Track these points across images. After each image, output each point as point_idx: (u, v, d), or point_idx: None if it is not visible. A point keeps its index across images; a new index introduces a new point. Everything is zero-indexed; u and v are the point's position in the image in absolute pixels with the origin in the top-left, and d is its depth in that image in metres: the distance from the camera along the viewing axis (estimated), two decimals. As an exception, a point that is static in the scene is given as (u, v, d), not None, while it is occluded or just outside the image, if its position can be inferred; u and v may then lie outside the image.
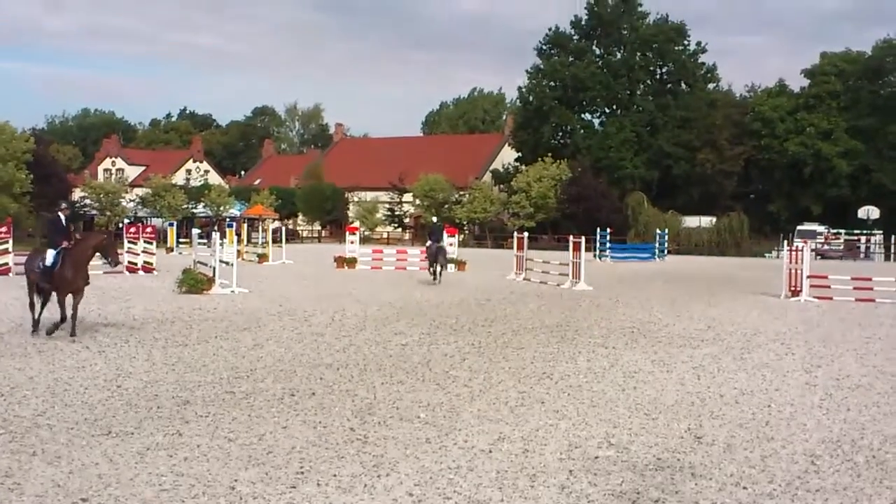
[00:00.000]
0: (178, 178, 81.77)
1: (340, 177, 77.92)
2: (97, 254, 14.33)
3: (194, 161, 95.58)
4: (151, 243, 29.65)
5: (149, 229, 30.90)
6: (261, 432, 8.06)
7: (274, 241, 38.98)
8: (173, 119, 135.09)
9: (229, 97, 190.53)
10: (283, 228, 48.44)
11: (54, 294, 13.87)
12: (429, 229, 30.48)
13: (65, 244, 13.85)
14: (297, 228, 77.02)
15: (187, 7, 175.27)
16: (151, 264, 28.93)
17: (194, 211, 67.98)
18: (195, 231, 31.51)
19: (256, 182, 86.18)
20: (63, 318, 13.59)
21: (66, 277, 13.61)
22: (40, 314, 13.99)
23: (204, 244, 28.30)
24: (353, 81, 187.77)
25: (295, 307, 18.89)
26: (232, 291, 21.82)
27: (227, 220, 56.87)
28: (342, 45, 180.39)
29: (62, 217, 14.54)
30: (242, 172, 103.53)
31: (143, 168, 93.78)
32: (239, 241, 32.11)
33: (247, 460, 7.17)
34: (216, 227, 40.78)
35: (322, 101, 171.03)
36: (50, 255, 13.68)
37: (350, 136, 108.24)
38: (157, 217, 64.37)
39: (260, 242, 44.33)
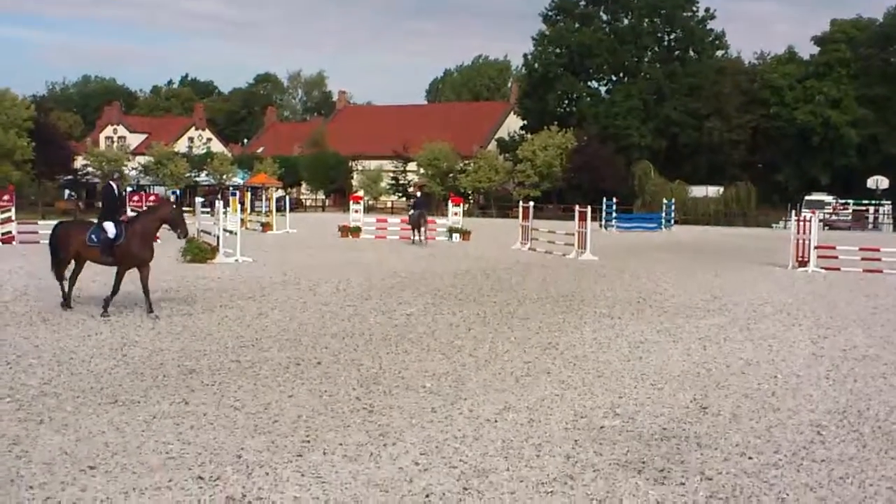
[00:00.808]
0: (181, 145, 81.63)
1: (344, 145, 77.61)
2: (164, 225, 13.73)
3: (196, 129, 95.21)
4: (156, 212, 29.56)
5: (152, 198, 30.88)
6: (266, 401, 8.07)
7: (277, 210, 38.93)
8: (174, 86, 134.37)
9: (231, 64, 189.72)
10: (287, 197, 48.37)
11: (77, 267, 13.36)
12: (413, 201, 32.45)
13: (124, 216, 13.39)
14: (301, 197, 76.92)
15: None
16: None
17: (197, 179, 67.88)
18: (198, 200, 31.49)
19: (259, 150, 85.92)
20: (115, 292, 12.90)
21: (131, 251, 12.91)
22: (71, 288, 13.37)
23: (207, 213, 28.30)
24: (357, 48, 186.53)
25: (299, 276, 18.88)
26: (236, 260, 21.82)
27: (231, 188, 56.76)
28: (345, 11, 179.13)
29: (115, 187, 13.72)
30: (245, 140, 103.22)
31: (144, 136, 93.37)
32: (242, 210, 32.07)
33: (253, 429, 7.18)
34: (219, 196, 40.68)
35: (325, 69, 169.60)
36: (110, 227, 12.86)
37: (354, 103, 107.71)
38: (160, 185, 64.32)
39: (263, 211, 44.29)
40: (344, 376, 9.16)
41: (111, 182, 14.08)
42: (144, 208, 14.57)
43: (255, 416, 7.55)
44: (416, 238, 30.18)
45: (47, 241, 13.82)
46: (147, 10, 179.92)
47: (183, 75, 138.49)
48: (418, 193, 38.67)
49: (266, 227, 36.55)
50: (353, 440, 6.92)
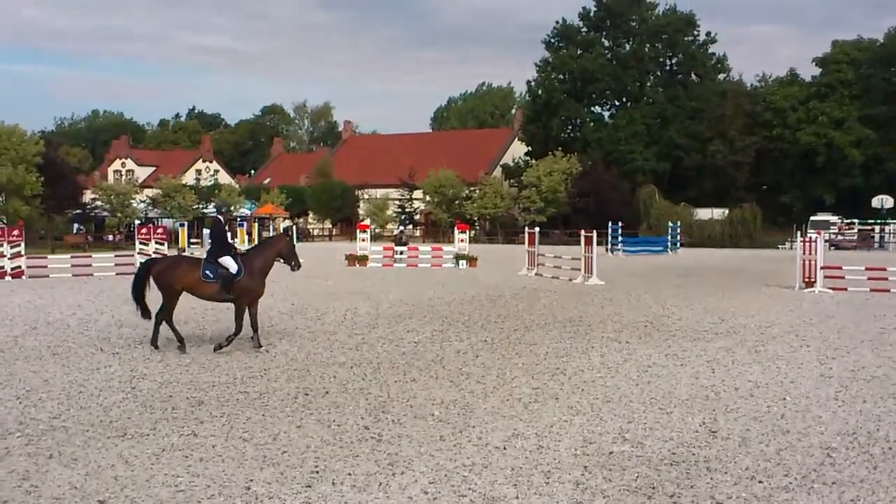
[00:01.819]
0: (188, 178, 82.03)
1: (350, 174, 77.96)
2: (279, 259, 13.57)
3: (204, 161, 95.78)
4: (163, 244, 29.73)
5: (160, 230, 30.99)
6: (275, 432, 8.08)
7: (285, 240, 38.91)
8: (182, 119, 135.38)
9: (238, 96, 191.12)
10: (294, 227, 48.49)
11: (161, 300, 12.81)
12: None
13: (236, 249, 13.27)
14: (308, 227, 77.14)
15: (194, 7, 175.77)
16: (164, 265, 28.95)
17: (205, 211, 68.18)
18: (206, 231, 31.60)
19: (266, 181, 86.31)
20: (238, 331, 12.63)
21: (249, 287, 12.80)
22: (159, 325, 12.77)
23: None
24: (362, 79, 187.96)
25: (306, 305, 18.92)
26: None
27: (238, 219, 56.97)
28: (350, 42, 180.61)
29: (223, 221, 13.58)
30: (252, 171, 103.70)
31: (152, 169, 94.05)
32: (250, 241, 32.16)
33: (262, 460, 7.19)
34: (227, 227, 40.80)
35: (331, 99, 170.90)
36: (231, 263, 12.72)
37: (359, 133, 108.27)
38: (168, 217, 64.58)
39: (271, 241, 44.32)
40: (352, 406, 9.17)
41: (219, 216, 13.99)
42: (257, 242, 14.11)
43: (263, 448, 7.56)
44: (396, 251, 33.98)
45: (134, 282, 13.07)
46: (154, 45, 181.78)
47: (190, 108, 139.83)
48: (401, 228, 42.50)
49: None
50: (361, 470, 6.92)
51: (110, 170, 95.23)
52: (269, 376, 10.80)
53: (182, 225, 50.21)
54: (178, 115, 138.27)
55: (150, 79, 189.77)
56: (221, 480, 6.65)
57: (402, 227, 33.31)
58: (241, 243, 24.56)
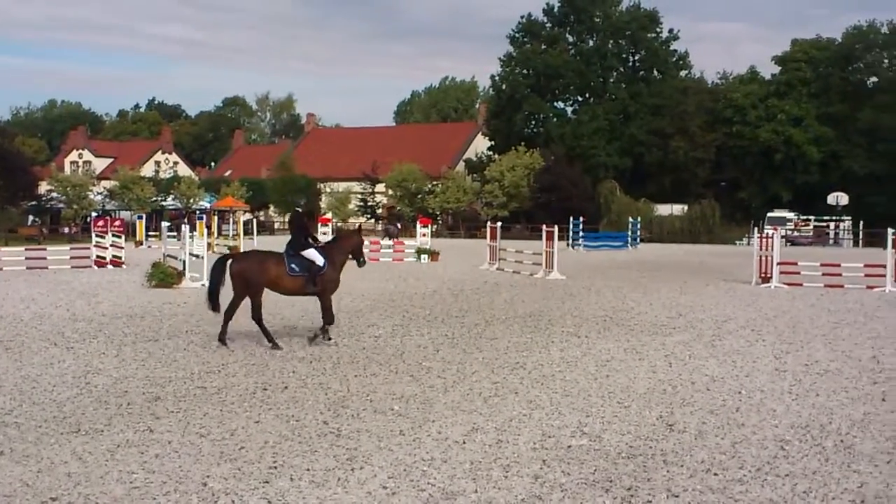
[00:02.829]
0: (147, 170, 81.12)
1: (312, 167, 77.54)
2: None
3: (163, 153, 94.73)
4: (120, 237, 29.32)
5: (117, 223, 30.57)
6: (233, 427, 8.01)
7: (245, 233, 38.70)
8: (141, 110, 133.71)
9: (199, 87, 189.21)
10: (255, 220, 48.14)
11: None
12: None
13: (318, 242, 13.29)
14: (269, 220, 76.61)
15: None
16: (120, 258, 28.61)
17: (163, 203, 67.41)
18: (164, 224, 31.27)
19: (227, 173, 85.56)
20: (332, 321, 12.93)
21: (334, 279, 12.98)
22: (228, 323, 12.63)
23: (173, 237, 28.10)
24: (325, 71, 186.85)
25: (266, 300, 18.71)
26: (202, 285, 21.60)
27: (197, 212, 56.39)
28: (314, 34, 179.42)
29: (302, 213, 13.79)
30: (212, 164, 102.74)
31: (110, 160, 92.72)
32: (209, 234, 31.87)
33: (219, 456, 7.12)
34: (186, 220, 40.44)
35: (294, 92, 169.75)
36: (317, 256, 12.72)
37: (322, 126, 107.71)
38: (126, 210, 63.75)
39: (231, 235, 44.03)
40: (311, 400, 9.12)
41: (298, 209, 14.06)
42: (333, 237, 14.03)
43: (220, 443, 7.49)
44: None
45: (210, 278, 12.91)
46: (114, 34, 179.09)
47: (150, 99, 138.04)
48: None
49: (234, 250, 36.32)
50: (320, 465, 6.89)
51: (67, 161, 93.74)
52: (227, 371, 10.70)
53: (140, 217, 49.61)
54: (137, 106, 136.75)
55: (109, 69, 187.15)
56: (178, 476, 6.58)
57: (395, 225, 33.22)
58: (201, 237, 24.28)
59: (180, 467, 6.80)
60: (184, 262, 22.39)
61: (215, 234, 41.01)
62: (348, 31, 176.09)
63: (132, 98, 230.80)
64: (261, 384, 9.92)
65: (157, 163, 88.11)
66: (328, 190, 75.49)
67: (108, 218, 34.22)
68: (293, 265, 12.62)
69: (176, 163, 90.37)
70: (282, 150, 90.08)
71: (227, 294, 12.69)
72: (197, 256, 22.66)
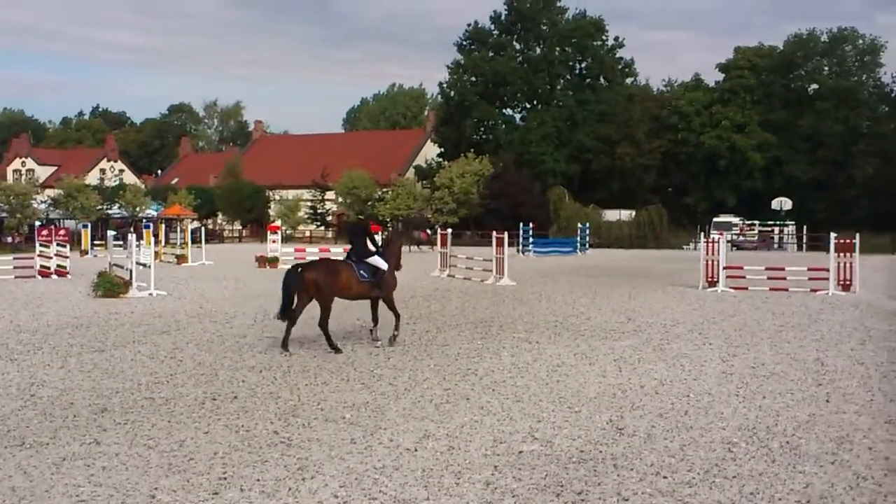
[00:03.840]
0: (92, 178, 79.68)
1: (261, 175, 76.92)
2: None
3: (108, 160, 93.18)
4: (65, 246, 28.76)
5: (62, 232, 29.99)
6: (181, 438, 7.90)
7: (193, 242, 38.24)
8: (85, 117, 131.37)
9: (144, 94, 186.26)
10: (203, 228, 47.58)
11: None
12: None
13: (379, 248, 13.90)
14: (218, 228, 75.77)
15: (101, 1, 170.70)
16: (65, 268, 28.07)
17: (109, 212, 66.30)
18: (110, 233, 30.76)
19: (174, 181, 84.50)
20: (399, 315, 13.80)
21: (394, 279, 13.91)
22: (291, 327, 12.94)
23: (120, 246, 27.66)
24: (273, 78, 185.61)
25: (216, 309, 18.58)
26: (150, 294, 21.35)
27: (144, 220, 55.55)
28: (261, 41, 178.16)
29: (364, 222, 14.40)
30: (159, 171, 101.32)
31: (54, 168, 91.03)
32: (156, 243, 31.44)
33: (167, 468, 7.02)
34: (132, 229, 39.81)
35: (242, 99, 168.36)
36: (380, 262, 13.52)
37: (270, 133, 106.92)
38: (71, 219, 62.52)
39: (178, 243, 43.45)
40: (262, 410, 9.03)
41: (360, 218, 14.66)
42: (384, 241, 14.79)
43: (169, 455, 7.38)
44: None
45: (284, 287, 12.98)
46: (56, 40, 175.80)
47: (94, 106, 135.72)
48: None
49: (181, 259, 35.87)
50: (271, 475, 6.82)
51: (9, 169, 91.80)
52: (176, 381, 10.55)
53: (85, 226, 48.71)
54: (81, 113, 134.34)
55: (51, 75, 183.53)
56: (125, 489, 6.46)
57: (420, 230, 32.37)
58: (148, 245, 23.93)
59: (127, 480, 6.68)
60: (130, 271, 22.04)
61: (162, 243, 40.42)
62: (297, 37, 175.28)
63: (76, 105, 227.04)
64: (210, 394, 9.80)
65: (103, 171, 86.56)
66: (277, 197, 74.94)
67: (52, 227, 33.55)
68: (362, 271, 13.30)
69: (121, 171, 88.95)
70: (229, 157, 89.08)
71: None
72: (144, 265, 22.32)
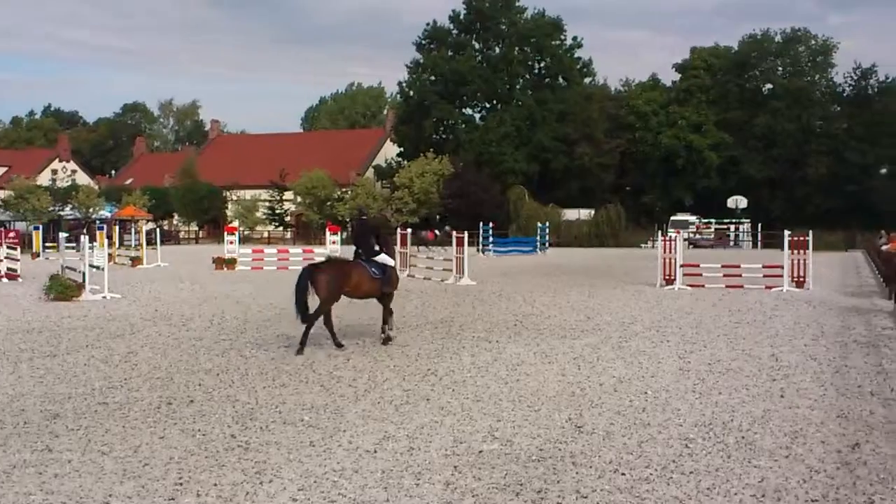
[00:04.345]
0: (43, 178, 78.41)
1: (218, 175, 76.17)
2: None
3: (60, 161, 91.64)
4: (15, 249, 28.19)
5: (12, 234, 29.42)
6: (136, 444, 7.77)
7: (148, 243, 37.76)
8: (36, 117, 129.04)
9: (97, 93, 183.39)
10: (158, 229, 46.99)
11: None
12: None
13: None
14: (174, 229, 74.91)
15: None
16: (15, 271, 27.53)
17: (61, 213, 65.23)
18: (62, 235, 30.27)
19: (128, 182, 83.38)
20: (391, 312, 14.00)
21: (398, 276, 14.53)
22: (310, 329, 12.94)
23: (72, 248, 27.23)
24: (230, 77, 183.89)
25: (171, 311, 18.35)
26: (104, 297, 21.02)
27: (97, 222, 54.72)
28: (218, 39, 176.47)
29: (368, 220, 14.89)
30: (113, 172, 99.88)
31: (4, 169, 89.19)
32: (110, 244, 30.99)
33: (122, 474, 6.90)
34: (85, 230, 39.21)
35: (198, 98, 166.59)
36: (388, 259, 13.91)
37: (227, 132, 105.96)
38: (21, 221, 61.39)
39: (133, 245, 42.90)
40: (218, 414, 8.93)
41: (363, 216, 14.93)
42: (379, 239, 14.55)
43: (123, 461, 7.26)
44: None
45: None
46: (5, 37, 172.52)
47: (45, 105, 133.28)
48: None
49: (136, 261, 35.38)
50: (228, 480, 6.74)
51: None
52: (130, 386, 10.39)
53: (36, 228, 47.87)
54: (32, 113, 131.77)
55: (1, 73, 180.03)
56: (78, 496, 6.34)
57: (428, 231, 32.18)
58: (101, 247, 23.57)
59: (81, 487, 6.56)
60: (84, 273, 21.68)
61: (116, 245, 39.84)
62: (255, 35, 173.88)
63: (26, 104, 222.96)
64: (165, 398, 9.66)
65: (54, 171, 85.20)
66: (234, 198, 74.28)
67: (2, 229, 32.90)
68: (374, 269, 13.59)
69: (74, 171, 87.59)
70: (185, 157, 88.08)
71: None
72: (97, 268, 21.98)
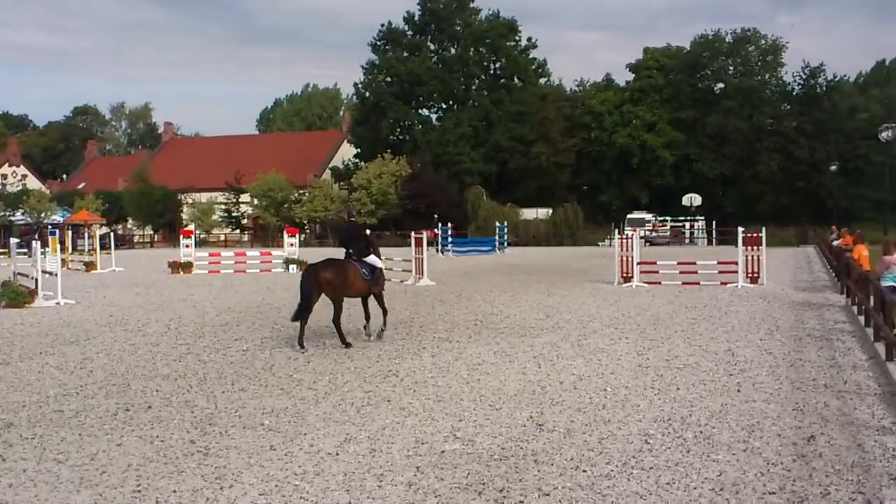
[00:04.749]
0: (-7, 183, 76.82)
1: (172, 178, 75.16)
2: None
3: (10, 165, 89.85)
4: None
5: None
6: (93, 451, 7.66)
7: (102, 248, 37.19)
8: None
9: (47, 96, 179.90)
10: (112, 234, 46.33)
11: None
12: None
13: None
14: (128, 233, 73.86)
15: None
16: (-33, 278, 26.93)
17: (12, 219, 63.98)
18: (13, 240, 29.70)
19: (80, 186, 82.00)
20: (387, 310, 14.47)
21: (383, 279, 14.58)
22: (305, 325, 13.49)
23: (24, 254, 26.74)
24: (184, 79, 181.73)
25: (127, 317, 18.10)
26: (57, 303, 20.66)
27: (49, 227, 53.80)
28: (170, 40, 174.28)
29: (356, 222, 15.32)
30: (64, 176, 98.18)
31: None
32: (63, 250, 30.48)
33: (78, 482, 6.79)
34: (37, 236, 38.51)
35: (151, 100, 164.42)
36: (377, 260, 14.23)
37: (181, 135, 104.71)
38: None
39: (86, 250, 42.23)
40: (177, 419, 8.83)
41: (353, 218, 15.47)
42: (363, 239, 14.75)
43: (80, 469, 7.14)
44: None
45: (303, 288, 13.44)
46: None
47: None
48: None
49: (90, 266, 34.84)
50: (187, 486, 6.67)
51: None
52: (86, 393, 10.23)
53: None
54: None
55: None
56: (33, 507, 6.23)
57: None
58: (54, 252, 23.17)
59: (36, 496, 6.45)
60: (36, 279, 21.28)
61: (69, 250, 39.18)
62: (207, 36, 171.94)
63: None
64: (122, 405, 9.53)
65: (4, 176, 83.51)
66: (190, 201, 73.40)
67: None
68: (364, 270, 13.93)
69: (25, 175, 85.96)
70: (138, 160, 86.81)
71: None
72: (50, 273, 21.61)
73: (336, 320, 13.42)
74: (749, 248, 23.78)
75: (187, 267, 32.57)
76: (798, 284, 24.22)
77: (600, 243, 56.64)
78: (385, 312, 14.40)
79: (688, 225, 61.91)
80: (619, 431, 8.12)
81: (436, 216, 54.07)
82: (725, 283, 23.27)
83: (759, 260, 23.65)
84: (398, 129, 74.45)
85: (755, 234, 23.98)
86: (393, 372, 11.30)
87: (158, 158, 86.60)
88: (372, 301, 14.36)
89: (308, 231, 67.92)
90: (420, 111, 75.86)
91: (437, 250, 44.59)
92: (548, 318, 16.88)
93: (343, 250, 14.37)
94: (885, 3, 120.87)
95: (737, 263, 23.63)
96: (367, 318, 14.32)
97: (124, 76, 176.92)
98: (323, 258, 14.51)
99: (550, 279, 27.07)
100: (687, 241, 60.27)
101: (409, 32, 75.77)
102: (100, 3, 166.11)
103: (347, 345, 13.32)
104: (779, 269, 29.11)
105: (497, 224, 51.15)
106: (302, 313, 13.29)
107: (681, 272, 24.64)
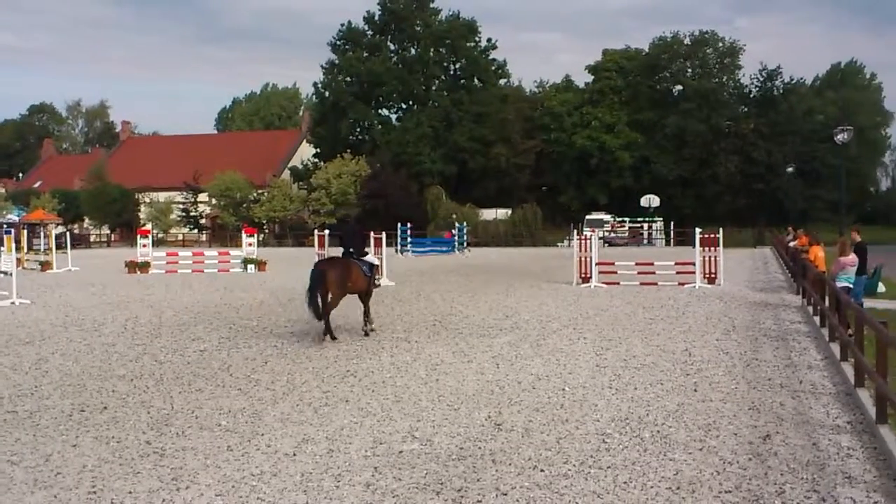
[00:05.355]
0: (-54, 182, 75.22)
1: (129, 177, 74.17)
2: None
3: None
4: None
5: None
6: (48, 453, 7.55)
7: (58, 248, 36.60)
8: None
9: (2, 94, 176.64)
10: (68, 233, 45.62)
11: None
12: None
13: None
14: (85, 233, 72.74)
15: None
16: (-84, 277, 26.37)
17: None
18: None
19: (36, 185, 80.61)
20: (368, 313, 15.00)
21: (378, 274, 15.31)
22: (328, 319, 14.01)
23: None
24: (141, 77, 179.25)
25: (83, 317, 17.84)
26: (12, 303, 20.29)
27: (4, 226, 52.84)
28: (127, 38, 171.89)
29: (354, 223, 16.38)
30: (20, 175, 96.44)
31: None
32: (18, 249, 29.93)
33: (33, 484, 6.70)
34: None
35: (108, 98, 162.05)
36: (373, 259, 15.39)
37: (139, 134, 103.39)
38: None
39: (42, 249, 41.52)
40: (133, 420, 8.73)
41: (347, 220, 15.57)
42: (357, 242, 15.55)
43: (34, 470, 7.04)
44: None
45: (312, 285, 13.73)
46: None
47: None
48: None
49: (45, 265, 34.26)
50: (143, 487, 6.60)
51: None
52: (41, 394, 10.08)
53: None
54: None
55: None
56: (-16, 510, 6.13)
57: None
58: (9, 252, 22.76)
59: (-12, 500, 6.34)
60: (-12, 279, 20.90)
61: (25, 249, 38.49)
62: (165, 34, 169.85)
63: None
64: (78, 405, 9.40)
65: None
66: (147, 200, 72.48)
67: None
68: (364, 268, 14.64)
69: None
70: (95, 159, 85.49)
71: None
72: (5, 273, 21.23)
73: (328, 313, 13.82)
74: (706, 248, 24.08)
75: (144, 267, 32.16)
76: (755, 285, 24.58)
77: (559, 244, 56.93)
78: (371, 311, 15.12)
79: (646, 226, 62.49)
80: (577, 431, 8.19)
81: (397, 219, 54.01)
82: (683, 284, 23.53)
83: (716, 261, 23.96)
84: (358, 129, 74.19)
85: (712, 235, 24.29)
86: (351, 372, 11.28)
87: (116, 157, 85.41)
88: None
89: (267, 231, 67.43)
90: (380, 111, 75.66)
91: (396, 250, 44.52)
92: (507, 318, 16.95)
93: (342, 250, 15.01)
94: (841, 8, 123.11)
95: (694, 264, 23.92)
96: (366, 313, 14.89)
97: (81, 74, 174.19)
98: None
99: (509, 280, 27.16)
100: (645, 241, 60.80)
101: (369, 32, 75.56)
102: (55, 0, 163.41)
103: (334, 338, 13.87)
104: (736, 269, 29.50)
105: (457, 224, 51.21)
106: (318, 310, 13.66)
107: (639, 273, 24.88)
